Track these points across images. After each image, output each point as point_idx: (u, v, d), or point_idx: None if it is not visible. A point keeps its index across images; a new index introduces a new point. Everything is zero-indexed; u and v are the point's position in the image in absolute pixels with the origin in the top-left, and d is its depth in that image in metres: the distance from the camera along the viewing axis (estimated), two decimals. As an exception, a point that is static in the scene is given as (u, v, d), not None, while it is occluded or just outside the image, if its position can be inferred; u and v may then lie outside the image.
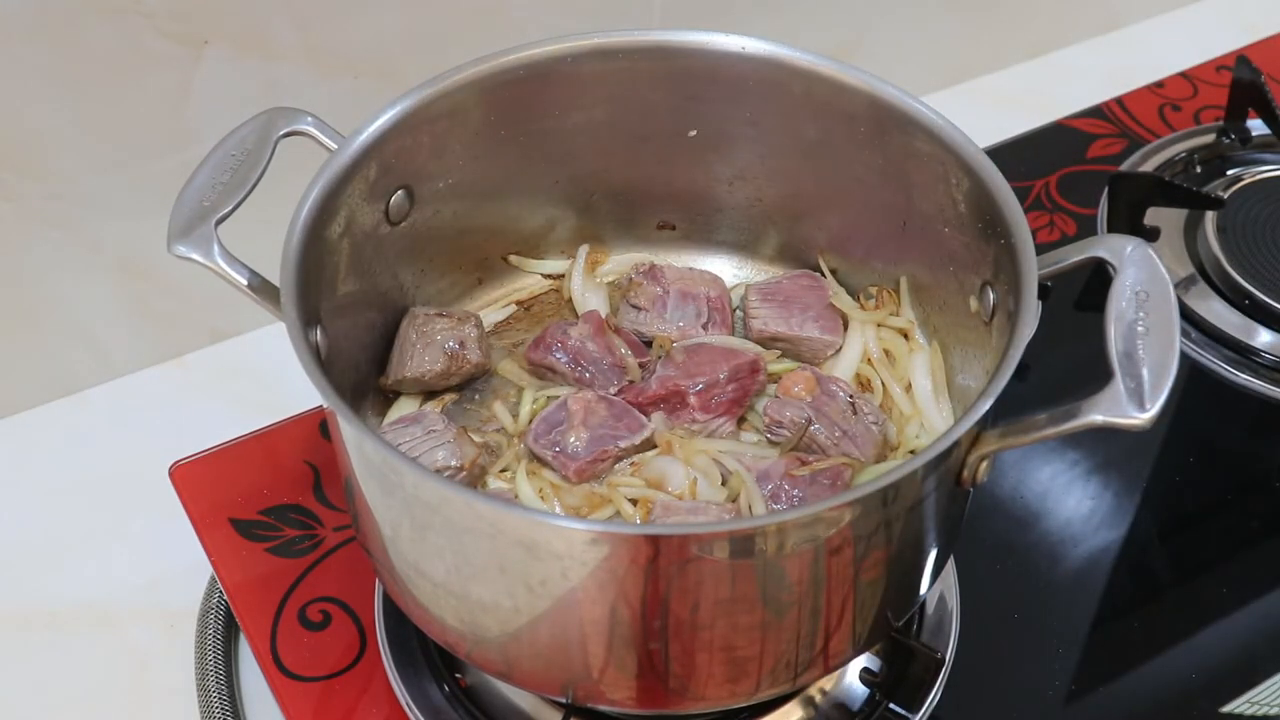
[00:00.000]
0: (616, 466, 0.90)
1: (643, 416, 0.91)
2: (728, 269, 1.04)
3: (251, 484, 1.02)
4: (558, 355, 0.94)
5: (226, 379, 1.17)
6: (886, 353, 0.96)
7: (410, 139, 0.88)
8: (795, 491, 0.85)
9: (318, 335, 0.82)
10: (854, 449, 0.88)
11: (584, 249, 1.03)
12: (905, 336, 0.96)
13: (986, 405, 0.72)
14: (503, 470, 0.90)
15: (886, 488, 0.70)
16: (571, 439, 0.89)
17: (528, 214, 1.01)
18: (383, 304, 0.94)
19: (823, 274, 1.00)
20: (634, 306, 0.99)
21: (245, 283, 0.80)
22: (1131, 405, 0.70)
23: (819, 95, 0.91)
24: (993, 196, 0.82)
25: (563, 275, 1.03)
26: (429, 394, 0.95)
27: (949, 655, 0.92)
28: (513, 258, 1.02)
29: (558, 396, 0.93)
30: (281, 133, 0.86)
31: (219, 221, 0.81)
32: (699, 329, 0.97)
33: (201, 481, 1.01)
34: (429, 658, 0.91)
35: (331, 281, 0.86)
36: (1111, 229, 1.24)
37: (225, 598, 0.97)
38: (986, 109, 1.44)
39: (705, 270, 1.02)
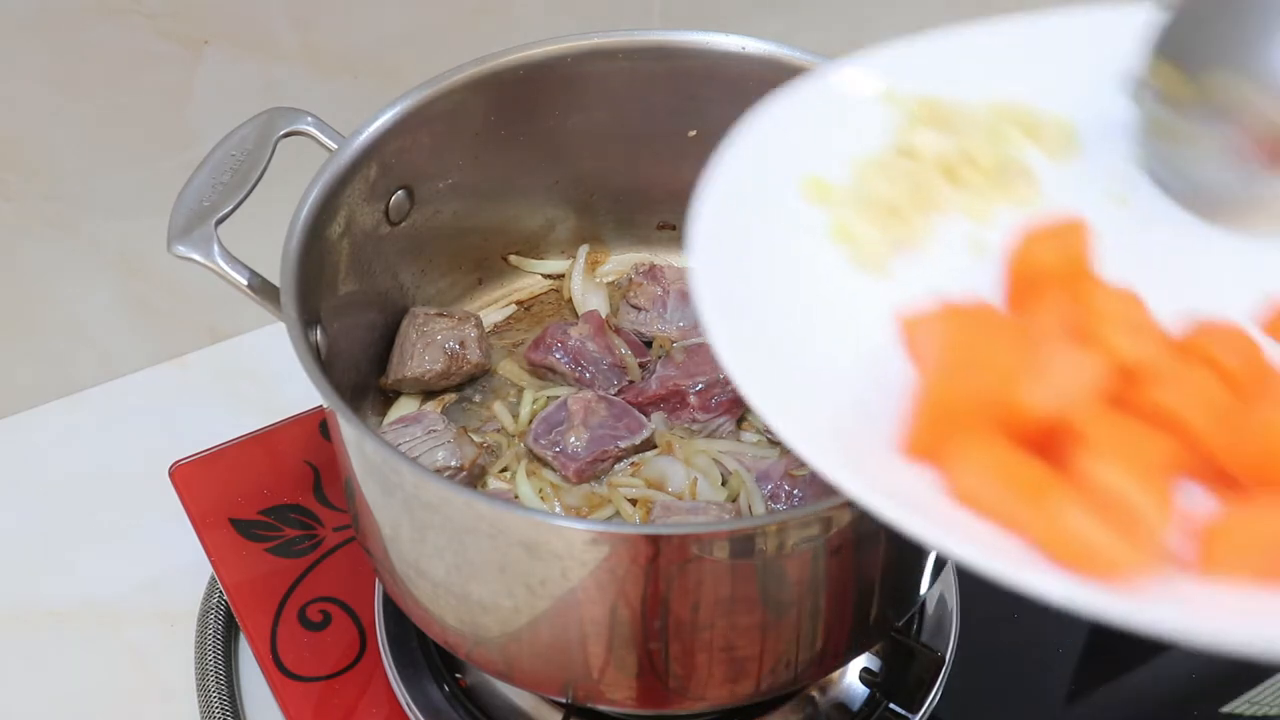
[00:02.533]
0: (616, 466, 0.90)
1: (643, 416, 0.91)
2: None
3: (251, 484, 1.02)
4: (558, 355, 0.94)
5: (227, 379, 1.17)
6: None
7: (410, 139, 0.88)
8: (795, 491, 0.85)
9: (318, 335, 0.82)
10: (854, 449, 0.88)
11: (584, 249, 1.03)
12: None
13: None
14: (503, 470, 0.90)
15: (887, 488, 0.70)
16: (571, 439, 0.89)
17: (528, 214, 1.01)
18: (383, 304, 0.94)
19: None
20: (634, 306, 0.99)
21: (245, 283, 0.80)
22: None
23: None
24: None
25: (563, 275, 1.03)
26: (429, 394, 0.95)
27: (949, 655, 0.92)
28: (513, 258, 1.03)
29: (558, 396, 0.93)
30: (281, 133, 0.86)
31: (219, 221, 0.81)
32: (699, 329, 0.97)
33: (201, 481, 1.02)
34: (429, 658, 0.91)
35: (331, 281, 0.86)
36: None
37: (225, 598, 0.97)
38: (986, 109, 1.44)
39: (705, 270, 1.02)
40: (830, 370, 0.61)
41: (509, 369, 0.97)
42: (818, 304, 0.64)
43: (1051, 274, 0.62)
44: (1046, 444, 0.56)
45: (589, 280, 1.02)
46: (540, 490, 0.88)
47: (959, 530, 0.53)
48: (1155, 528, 0.51)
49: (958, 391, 0.56)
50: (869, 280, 0.66)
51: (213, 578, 0.99)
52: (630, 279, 1.00)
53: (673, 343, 0.96)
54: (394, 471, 0.71)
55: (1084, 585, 0.50)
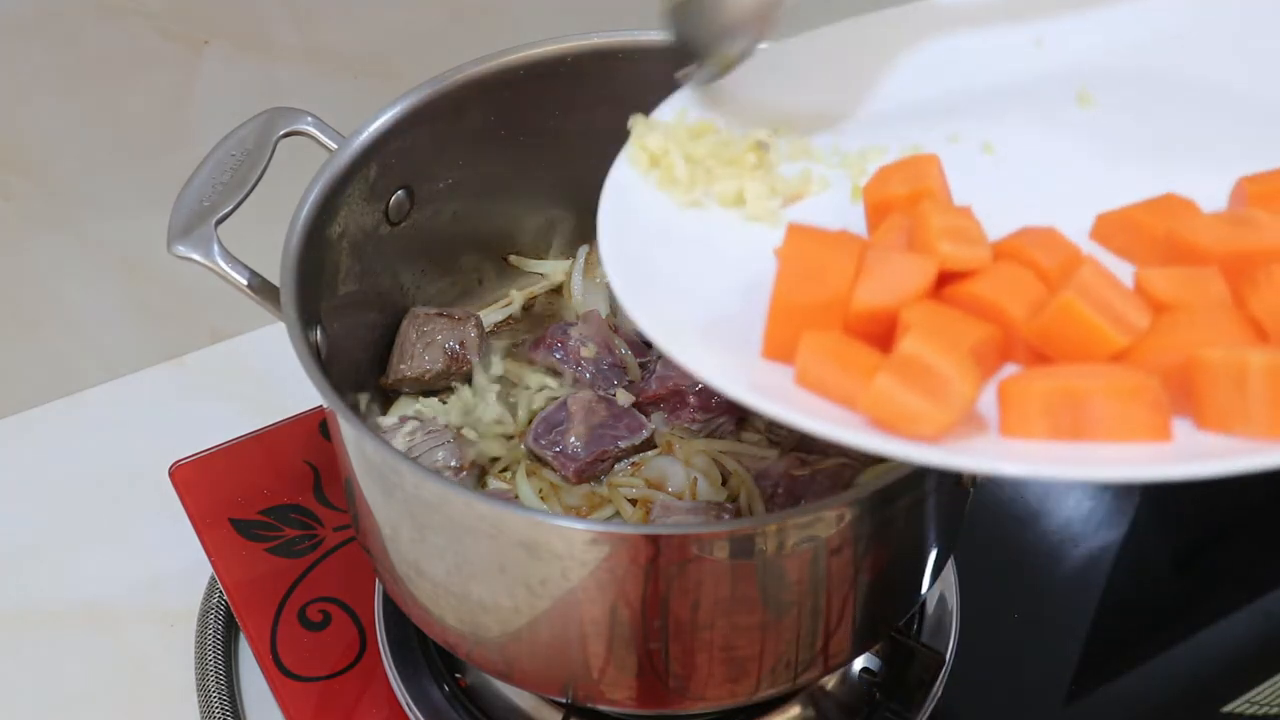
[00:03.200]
0: (616, 466, 0.90)
1: (642, 416, 0.91)
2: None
3: (251, 484, 1.02)
4: (558, 355, 0.94)
5: (227, 379, 1.17)
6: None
7: (410, 139, 0.88)
8: (795, 491, 0.85)
9: (318, 335, 0.82)
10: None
11: (584, 249, 1.03)
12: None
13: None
14: (503, 470, 0.90)
15: (886, 488, 0.70)
16: (571, 439, 0.89)
17: (528, 214, 1.01)
18: (383, 304, 0.94)
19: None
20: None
21: (245, 283, 0.80)
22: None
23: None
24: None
25: (563, 275, 1.03)
26: (429, 394, 0.95)
27: (949, 655, 0.92)
28: (513, 258, 1.03)
29: (558, 397, 0.93)
30: (281, 133, 0.86)
31: (219, 221, 0.81)
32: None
33: (202, 481, 1.02)
34: (429, 658, 0.91)
35: (331, 281, 0.86)
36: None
37: (225, 598, 0.97)
38: (986, 109, 1.44)
39: (705, 270, 1.02)
40: (716, 298, 0.69)
41: (509, 369, 0.97)
42: (711, 251, 0.73)
43: (900, 201, 0.70)
44: (885, 340, 0.63)
45: (589, 280, 1.02)
46: (540, 490, 0.88)
47: (799, 406, 0.61)
48: (960, 391, 0.58)
49: (800, 296, 0.64)
50: (761, 229, 0.74)
51: (213, 578, 0.99)
52: (630, 279, 1.00)
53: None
54: (394, 471, 0.71)
55: (898, 441, 0.58)
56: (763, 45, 0.77)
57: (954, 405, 0.57)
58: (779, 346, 0.64)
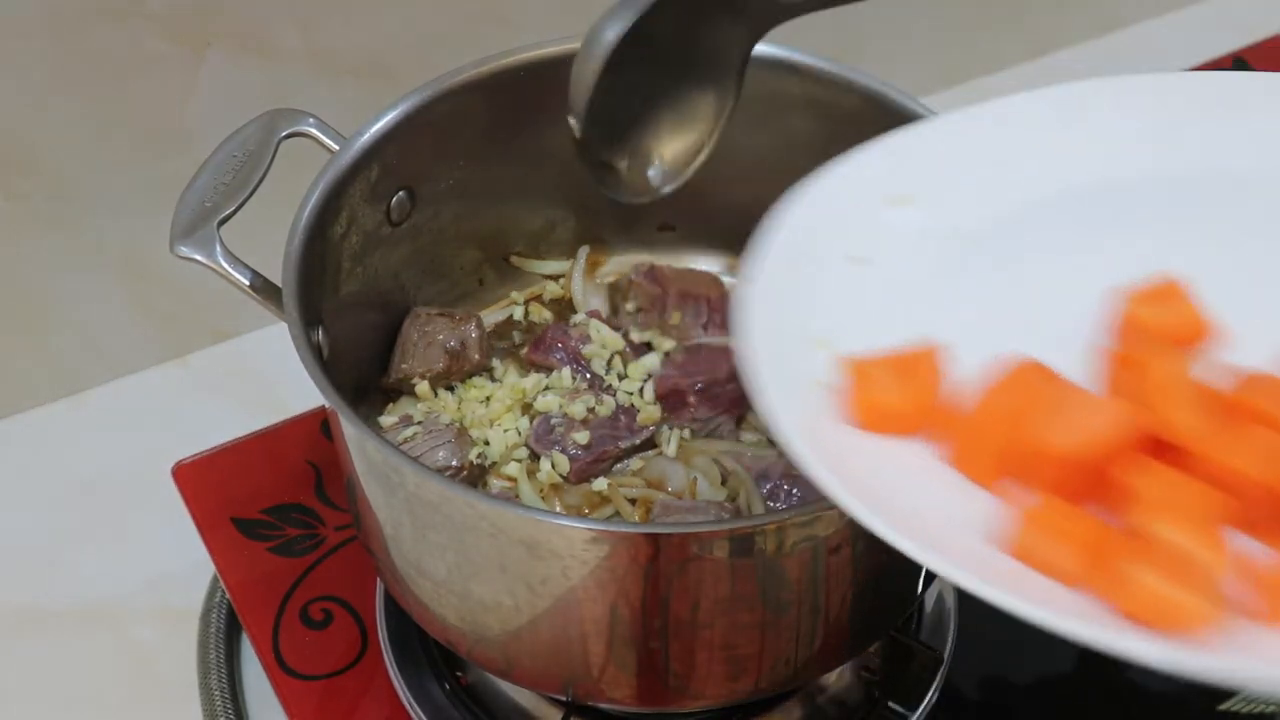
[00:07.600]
0: (616, 466, 0.90)
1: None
2: (728, 270, 1.04)
3: (253, 483, 1.02)
4: (558, 355, 0.95)
5: (229, 379, 1.17)
6: (886, 353, 0.96)
7: (412, 140, 0.89)
8: (794, 491, 0.86)
9: (319, 335, 0.82)
10: (853, 449, 0.88)
11: (584, 250, 1.04)
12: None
13: (985, 405, 0.72)
14: (503, 470, 0.90)
15: (885, 487, 0.70)
16: (571, 439, 0.89)
17: (528, 215, 1.01)
18: (384, 304, 0.94)
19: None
20: (634, 307, 0.99)
21: (247, 283, 0.80)
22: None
23: (819, 95, 0.91)
24: (991, 197, 0.83)
25: (563, 276, 1.04)
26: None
27: (947, 654, 0.92)
28: (513, 258, 1.03)
29: (557, 397, 0.93)
30: (283, 134, 0.86)
31: (221, 222, 0.81)
32: (699, 329, 0.98)
33: (204, 481, 1.02)
34: (430, 656, 0.91)
35: (333, 282, 0.86)
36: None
37: (227, 597, 0.97)
38: (986, 110, 1.44)
39: (705, 270, 1.02)
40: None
41: (509, 369, 0.97)
42: None
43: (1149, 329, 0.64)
44: (1094, 497, 0.57)
45: (589, 281, 1.03)
46: (540, 490, 0.89)
47: (1027, 590, 0.55)
48: (1216, 578, 0.52)
49: (992, 417, 0.59)
50: None
51: (215, 577, 0.99)
52: (630, 280, 1.00)
53: (673, 343, 0.96)
54: (395, 471, 0.72)
55: (1164, 642, 0.51)
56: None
57: (1214, 596, 0.51)
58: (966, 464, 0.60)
